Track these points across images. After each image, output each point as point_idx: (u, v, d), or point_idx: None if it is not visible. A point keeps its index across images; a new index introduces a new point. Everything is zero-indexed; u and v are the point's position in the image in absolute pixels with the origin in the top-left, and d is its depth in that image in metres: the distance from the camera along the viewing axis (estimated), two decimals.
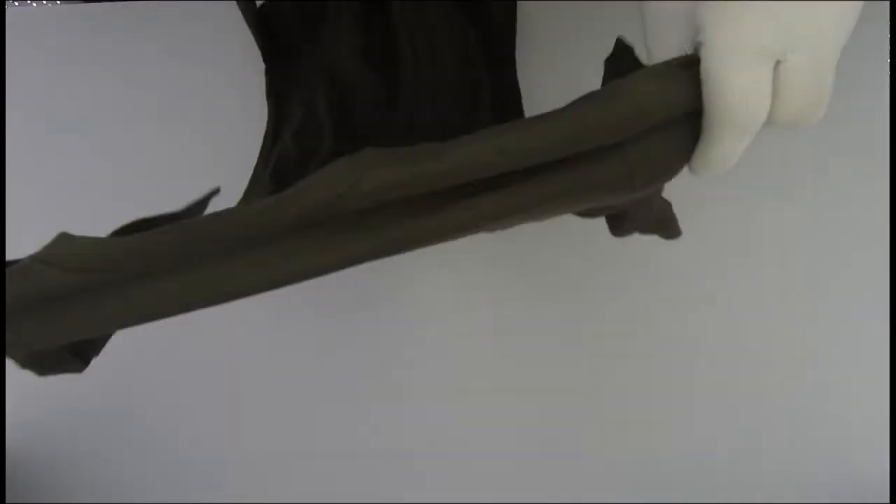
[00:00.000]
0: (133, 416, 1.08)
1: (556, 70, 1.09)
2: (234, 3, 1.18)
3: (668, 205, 0.69)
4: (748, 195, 1.10)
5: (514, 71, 1.03)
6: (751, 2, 0.30)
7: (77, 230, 1.25)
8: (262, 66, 1.14)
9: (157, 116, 1.17)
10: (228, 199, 1.18)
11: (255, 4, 1.00)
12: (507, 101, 1.02)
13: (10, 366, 1.14)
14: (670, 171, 0.37)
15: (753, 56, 0.31)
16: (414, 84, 0.98)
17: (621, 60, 0.46)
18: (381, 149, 0.31)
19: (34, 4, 1.25)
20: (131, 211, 1.21)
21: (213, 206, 1.19)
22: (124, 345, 1.08)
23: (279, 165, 0.95)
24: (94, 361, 1.17)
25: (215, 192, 0.62)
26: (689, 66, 0.33)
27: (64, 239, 0.42)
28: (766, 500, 1.02)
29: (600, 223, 0.72)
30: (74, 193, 1.14)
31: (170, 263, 0.33)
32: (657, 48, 0.39)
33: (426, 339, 1.05)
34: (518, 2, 1.08)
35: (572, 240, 1.07)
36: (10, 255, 1.19)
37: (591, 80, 1.16)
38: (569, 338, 1.05)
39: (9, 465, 1.06)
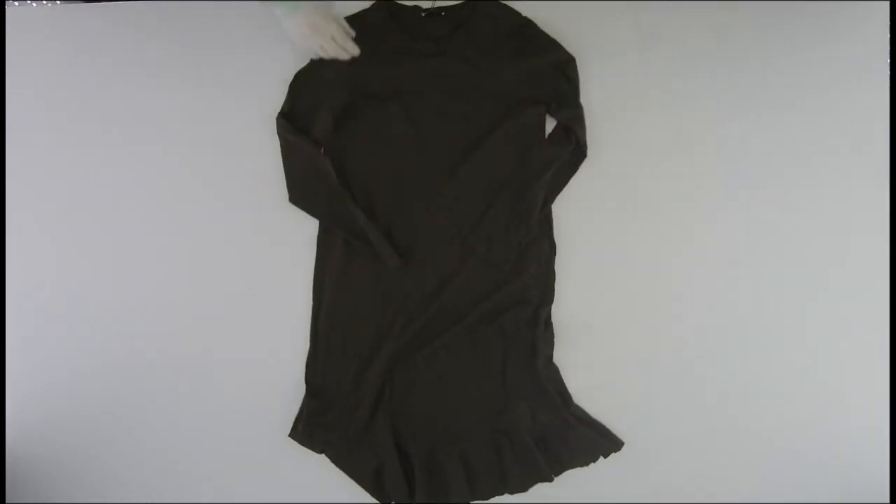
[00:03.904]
0: (132, 417, 1.08)
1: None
2: (234, 3, 1.19)
3: None
4: (748, 196, 1.10)
5: None
6: None
7: (77, 227, 1.25)
8: (259, 64, 1.13)
9: (157, 115, 1.17)
10: (228, 199, 1.19)
11: None
12: None
13: (10, 366, 1.14)
14: None
15: None
16: None
17: None
18: None
19: (34, 4, 1.25)
20: (131, 208, 1.22)
21: (221, 203, 1.18)
22: (123, 348, 1.08)
23: None
24: (93, 363, 1.18)
25: None
26: None
27: None
28: (767, 500, 1.03)
29: None
30: (74, 191, 1.14)
31: None
32: None
33: None
34: (519, 1, 1.10)
35: None
36: (11, 254, 1.20)
37: (589, 79, 1.15)
38: None
39: (9, 465, 1.06)
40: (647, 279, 1.07)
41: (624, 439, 1.02)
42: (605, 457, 1.01)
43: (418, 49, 1.11)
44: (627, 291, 1.06)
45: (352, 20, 1.12)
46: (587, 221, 1.08)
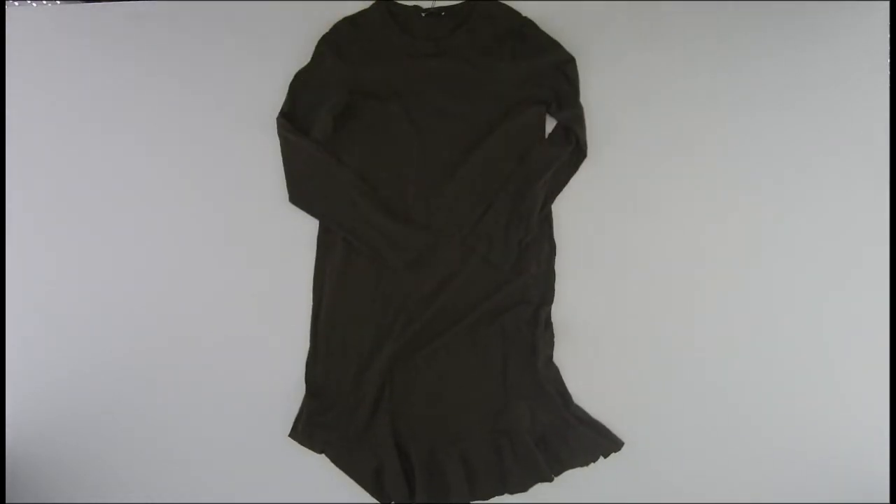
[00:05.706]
0: (132, 417, 1.08)
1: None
2: (234, 3, 1.19)
3: None
4: (748, 196, 1.10)
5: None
6: None
7: (76, 228, 1.25)
8: (260, 64, 1.14)
9: (157, 115, 1.17)
10: (228, 199, 1.19)
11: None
12: None
13: (10, 366, 1.14)
14: None
15: None
16: None
17: None
18: None
19: (34, 4, 1.25)
20: (130, 208, 1.22)
21: (222, 203, 1.18)
22: (123, 348, 1.08)
23: None
24: (93, 364, 1.18)
25: None
26: None
27: None
28: (767, 500, 1.02)
29: None
30: (74, 191, 1.14)
31: None
32: None
33: None
34: (519, 1, 1.11)
35: None
36: (11, 254, 1.20)
37: (589, 79, 1.15)
38: None
39: (9, 465, 1.06)
40: (647, 279, 1.07)
41: (624, 439, 1.02)
42: (605, 457, 1.01)
43: (418, 49, 1.11)
44: (627, 291, 1.06)
45: (352, 20, 1.12)
46: (587, 221, 1.08)
